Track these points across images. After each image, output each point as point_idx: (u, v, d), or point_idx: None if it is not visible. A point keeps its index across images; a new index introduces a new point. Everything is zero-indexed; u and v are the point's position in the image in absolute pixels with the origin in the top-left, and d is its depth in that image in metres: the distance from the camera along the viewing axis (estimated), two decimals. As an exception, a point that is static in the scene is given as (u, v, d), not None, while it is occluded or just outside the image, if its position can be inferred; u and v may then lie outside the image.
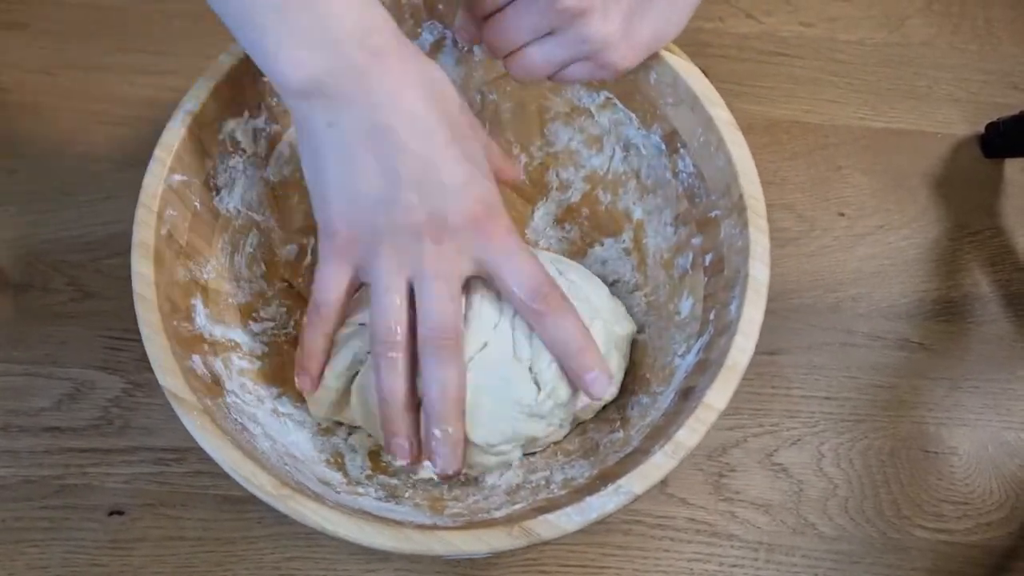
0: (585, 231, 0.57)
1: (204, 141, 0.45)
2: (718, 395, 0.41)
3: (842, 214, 0.63)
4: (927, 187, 0.64)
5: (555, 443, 0.51)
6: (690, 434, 0.40)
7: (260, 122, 0.49)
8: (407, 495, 0.47)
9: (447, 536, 0.38)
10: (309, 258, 0.54)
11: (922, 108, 0.67)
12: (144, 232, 0.42)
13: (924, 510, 0.54)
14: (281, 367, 0.50)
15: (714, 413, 0.41)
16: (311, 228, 0.53)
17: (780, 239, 0.61)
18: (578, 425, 0.51)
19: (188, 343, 0.43)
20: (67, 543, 0.51)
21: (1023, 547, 0.53)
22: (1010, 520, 0.54)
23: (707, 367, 0.44)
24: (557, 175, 0.57)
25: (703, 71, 0.66)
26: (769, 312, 0.43)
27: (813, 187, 0.63)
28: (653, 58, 0.48)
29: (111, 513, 0.51)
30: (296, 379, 0.46)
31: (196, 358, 0.43)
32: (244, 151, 0.48)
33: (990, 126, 0.65)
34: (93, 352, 0.55)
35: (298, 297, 0.53)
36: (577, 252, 0.57)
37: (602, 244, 0.56)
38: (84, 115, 0.62)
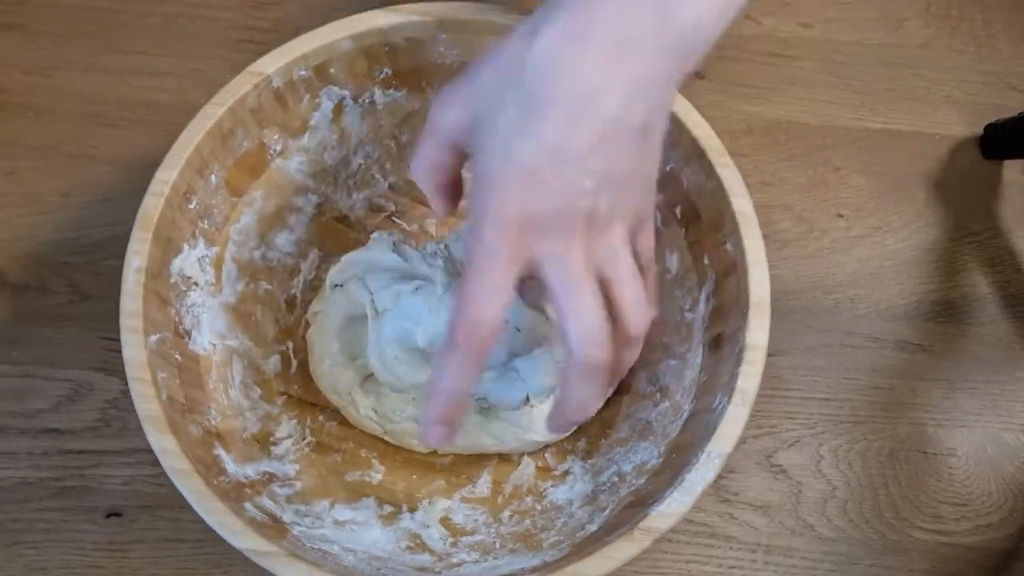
0: None
1: (160, 292, 0.44)
2: (758, 333, 0.42)
3: (841, 215, 0.63)
4: (926, 188, 0.64)
5: (606, 437, 0.51)
6: (748, 379, 0.41)
7: (200, 249, 0.48)
8: (497, 545, 0.46)
9: (579, 568, 0.38)
10: (294, 363, 0.53)
11: (920, 109, 0.67)
12: (148, 405, 0.41)
13: (923, 511, 0.54)
14: (319, 478, 0.49)
15: (761, 351, 0.41)
16: (284, 335, 0.53)
17: (778, 240, 0.61)
18: (615, 411, 0.52)
19: (234, 495, 0.42)
20: (65, 545, 0.51)
21: (1022, 548, 0.54)
22: (1009, 521, 0.54)
23: (728, 310, 0.45)
24: None
25: (700, 72, 0.67)
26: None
27: (811, 188, 0.63)
28: None
29: (109, 515, 0.51)
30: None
31: (248, 506, 0.42)
32: (197, 284, 0.47)
33: (989, 127, 0.65)
34: (91, 354, 0.55)
35: (300, 403, 0.52)
36: None
37: None
38: (81, 116, 0.62)
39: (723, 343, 0.44)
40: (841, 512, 0.54)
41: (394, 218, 0.57)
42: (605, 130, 0.34)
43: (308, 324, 0.53)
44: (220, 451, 0.44)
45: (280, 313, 0.53)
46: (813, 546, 0.53)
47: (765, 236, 0.44)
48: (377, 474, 0.51)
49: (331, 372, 0.51)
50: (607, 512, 0.44)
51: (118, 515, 0.51)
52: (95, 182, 0.60)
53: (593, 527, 0.44)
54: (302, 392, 0.53)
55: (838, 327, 0.59)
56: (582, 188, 0.35)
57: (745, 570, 0.52)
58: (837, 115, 0.66)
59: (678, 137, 0.47)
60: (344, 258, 0.51)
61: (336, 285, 0.52)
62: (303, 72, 0.48)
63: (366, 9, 0.49)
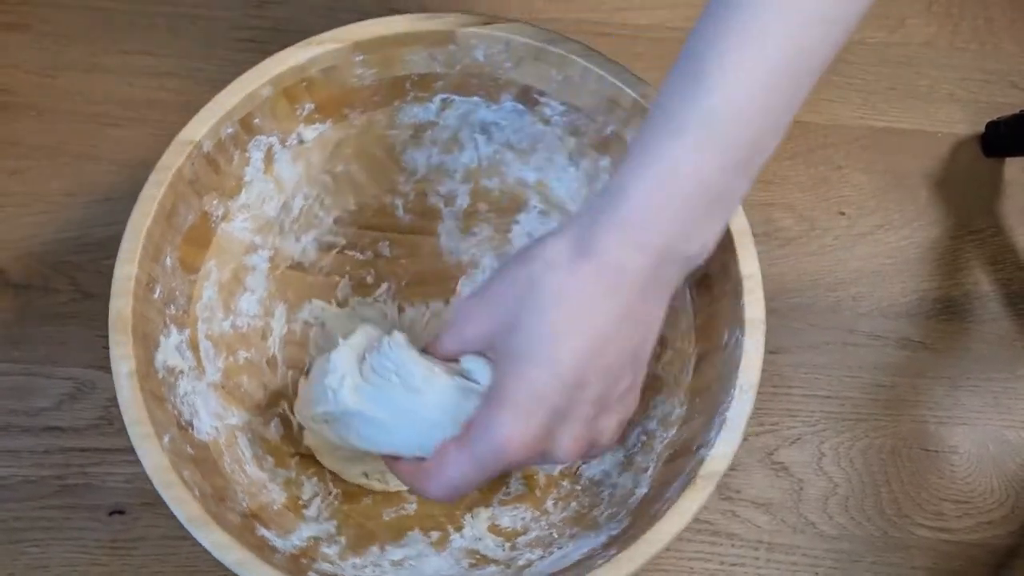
0: (494, 222, 0.56)
1: (154, 391, 0.43)
2: (748, 262, 0.42)
3: (842, 213, 0.63)
4: (927, 186, 0.64)
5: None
6: (754, 308, 0.41)
7: (174, 337, 0.46)
8: (555, 535, 0.46)
9: (655, 532, 0.38)
10: (295, 421, 0.51)
11: (922, 107, 0.67)
12: (187, 508, 0.38)
13: (925, 509, 0.54)
14: (359, 526, 0.48)
15: (757, 280, 0.42)
16: (276, 398, 0.51)
17: (780, 238, 0.61)
18: None
19: (294, 569, 0.41)
20: (68, 543, 0.51)
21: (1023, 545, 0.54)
22: (1011, 519, 0.54)
23: None
24: (438, 193, 0.55)
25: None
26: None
27: (813, 186, 0.63)
28: (480, 39, 0.47)
29: (112, 513, 0.52)
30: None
31: (312, 575, 0.41)
32: (182, 372, 0.46)
33: (990, 125, 0.65)
34: (94, 352, 0.55)
35: (313, 460, 0.51)
36: (500, 243, 0.56)
37: (517, 222, 0.55)
38: (84, 116, 0.62)
39: (712, 281, 0.44)
40: (843, 509, 0.54)
41: (346, 251, 0.55)
42: (596, 351, 0.36)
43: (296, 383, 0.51)
44: (263, 531, 0.43)
45: (265, 377, 0.52)
46: (815, 543, 0.53)
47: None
48: (411, 505, 0.50)
49: (341, 464, 0.50)
50: (650, 472, 0.44)
51: (120, 513, 0.52)
52: (98, 181, 0.60)
53: (643, 490, 0.43)
54: (310, 447, 0.52)
55: (840, 325, 0.59)
56: (576, 409, 0.37)
57: (747, 567, 0.52)
58: (839, 113, 0.66)
59: (617, 98, 0.46)
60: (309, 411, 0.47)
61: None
62: (229, 129, 0.46)
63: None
